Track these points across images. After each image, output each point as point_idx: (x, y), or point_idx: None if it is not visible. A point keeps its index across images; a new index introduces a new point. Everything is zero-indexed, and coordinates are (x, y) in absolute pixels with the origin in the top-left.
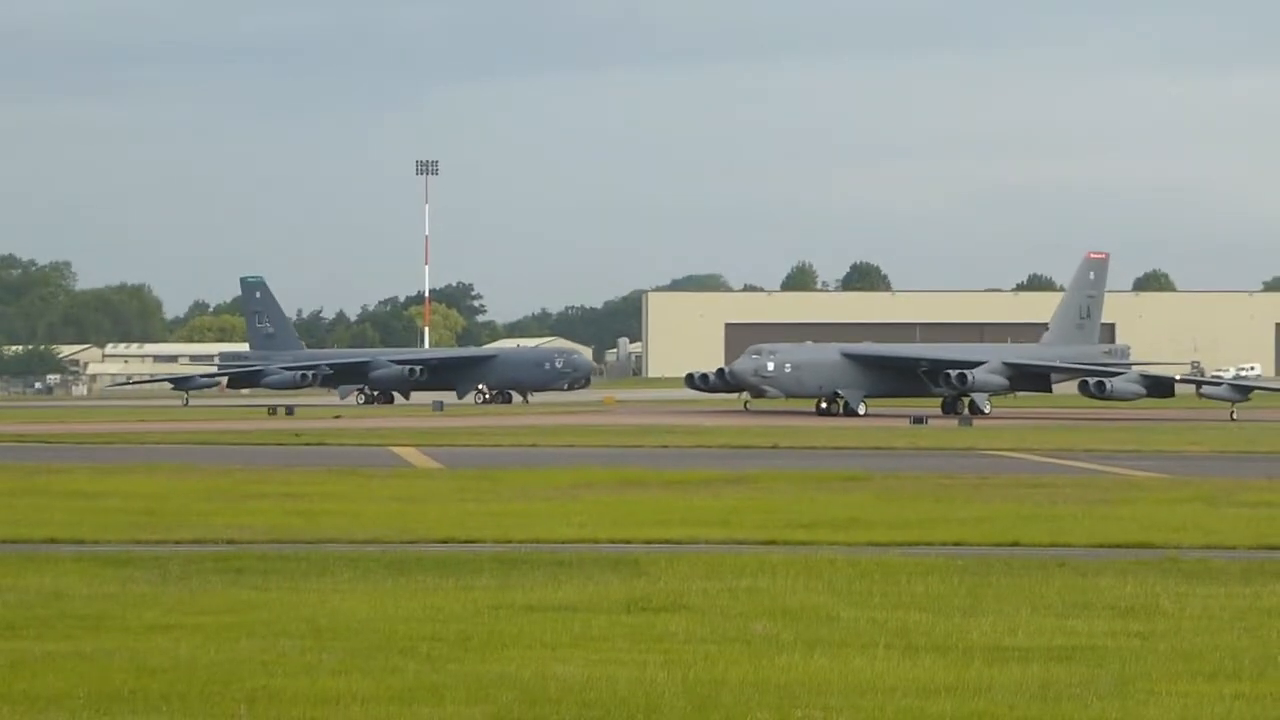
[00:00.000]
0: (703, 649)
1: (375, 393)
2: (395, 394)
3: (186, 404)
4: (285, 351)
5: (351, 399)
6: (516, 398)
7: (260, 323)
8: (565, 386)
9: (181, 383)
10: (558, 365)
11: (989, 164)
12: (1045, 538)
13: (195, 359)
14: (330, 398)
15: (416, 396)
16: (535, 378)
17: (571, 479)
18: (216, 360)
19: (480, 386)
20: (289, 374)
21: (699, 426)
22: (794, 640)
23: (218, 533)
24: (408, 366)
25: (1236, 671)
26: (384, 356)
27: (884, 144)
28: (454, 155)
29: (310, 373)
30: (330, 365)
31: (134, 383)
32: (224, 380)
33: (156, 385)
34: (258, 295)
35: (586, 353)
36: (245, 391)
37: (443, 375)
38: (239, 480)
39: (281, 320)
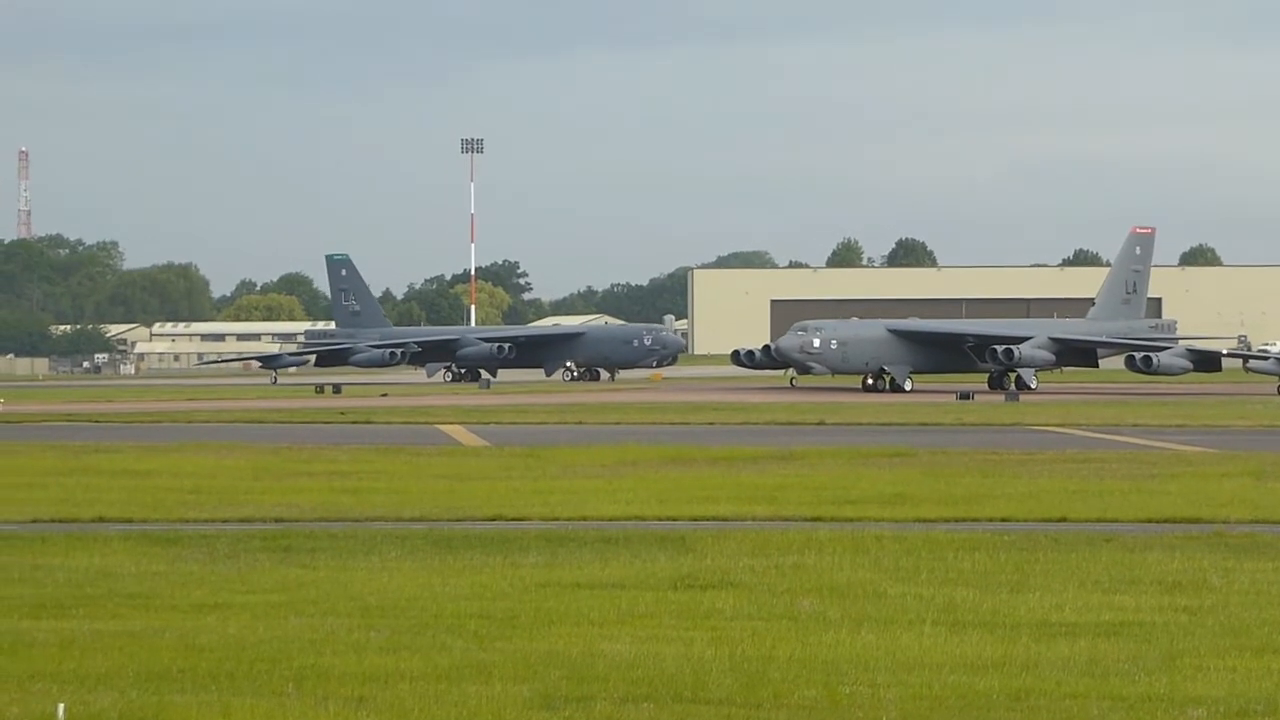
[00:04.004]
0: (750, 626)
1: (463, 370)
2: (482, 371)
3: (275, 382)
4: (372, 329)
5: (439, 376)
6: (604, 375)
7: (346, 300)
8: (654, 364)
9: (270, 361)
10: (646, 342)
11: (1035, 139)
12: (1093, 513)
13: (242, 338)
14: (417, 375)
15: (504, 374)
16: (624, 355)
17: (618, 456)
18: (303, 338)
19: (568, 364)
20: (378, 352)
21: (745, 403)
22: (841, 617)
23: (266, 511)
24: (496, 344)
25: None
26: (472, 334)
27: (930, 119)
28: (499, 133)
29: (398, 350)
30: (418, 343)
31: (222, 361)
32: (312, 359)
33: (240, 363)
34: (343, 273)
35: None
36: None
37: (530, 353)
38: (286, 459)
39: (368, 298)
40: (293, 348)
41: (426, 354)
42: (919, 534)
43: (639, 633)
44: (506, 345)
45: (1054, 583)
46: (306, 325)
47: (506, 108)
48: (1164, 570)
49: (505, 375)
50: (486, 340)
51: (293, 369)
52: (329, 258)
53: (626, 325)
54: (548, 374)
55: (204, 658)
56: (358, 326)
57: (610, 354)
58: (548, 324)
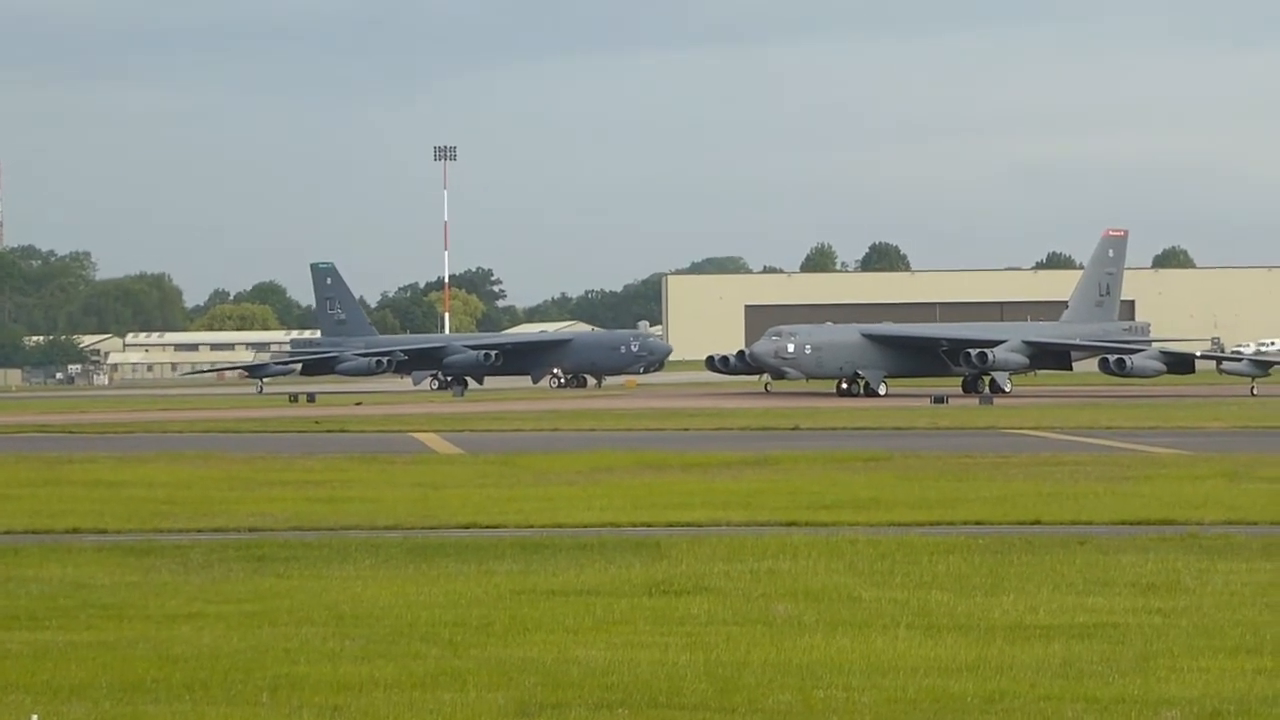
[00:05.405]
0: (725, 631)
1: (449, 378)
2: (469, 379)
3: (261, 391)
4: (358, 338)
5: (425, 384)
6: (591, 381)
7: (332, 309)
8: (641, 369)
9: (256, 370)
10: (633, 348)
11: (1008, 142)
12: (1066, 516)
13: (216, 348)
14: (403, 383)
15: (491, 381)
16: (610, 361)
17: (592, 463)
18: (289, 347)
19: (555, 370)
20: (364, 360)
21: (720, 409)
22: (816, 621)
23: (240, 521)
24: (482, 351)
25: (1258, 647)
26: (459, 341)
27: (902, 124)
28: (472, 140)
29: (385, 359)
30: (404, 351)
31: (207, 371)
32: (298, 367)
33: (215, 374)
34: (328, 282)
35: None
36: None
37: (517, 360)
38: (260, 468)
39: (353, 306)
40: (267, 357)
41: (413, 362)
42: (893, 538)
43: (614, 639)
44: (493, 352)
45: (1028, 585)
46: (280, 334)
47: (478, 115)
48: (1138, 572)
49: (491, 382)
50: (473, 348)
51: (267, 378)
52: (314, 266)
53: (613, 331)
54: (534, 381)
55: (178, 668)
56: (343, 335)
57: (597, 360)
58: (533, 330)
